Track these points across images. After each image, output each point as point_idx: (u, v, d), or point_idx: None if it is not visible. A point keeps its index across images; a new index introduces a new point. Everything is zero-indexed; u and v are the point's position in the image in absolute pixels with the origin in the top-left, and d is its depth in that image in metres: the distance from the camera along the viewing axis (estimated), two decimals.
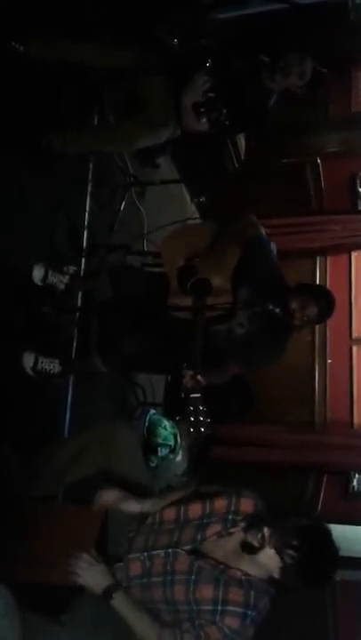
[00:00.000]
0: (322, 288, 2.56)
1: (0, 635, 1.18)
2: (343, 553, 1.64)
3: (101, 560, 1.68)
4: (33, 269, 2.51)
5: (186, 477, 3.94)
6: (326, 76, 2.57)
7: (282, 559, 1.58)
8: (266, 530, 1.61)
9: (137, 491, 1.95)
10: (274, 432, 4.38)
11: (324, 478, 4.04)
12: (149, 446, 3.65)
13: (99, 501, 1.84)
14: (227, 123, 2.60)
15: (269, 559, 1.60)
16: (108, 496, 1.86)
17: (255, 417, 4.00)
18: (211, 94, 2.49)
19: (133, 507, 1.85)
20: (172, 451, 3.75)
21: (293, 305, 2.39)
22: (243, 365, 2.46)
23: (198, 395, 2.01)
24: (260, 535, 1.61)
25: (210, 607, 1.59)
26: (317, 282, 4.89)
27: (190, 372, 2.15)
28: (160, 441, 3.65)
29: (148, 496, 1.92)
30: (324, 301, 2.47)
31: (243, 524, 1.66)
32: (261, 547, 1.60)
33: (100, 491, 1.86)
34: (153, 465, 3.69)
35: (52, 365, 2.52)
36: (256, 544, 1.61)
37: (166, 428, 3.70)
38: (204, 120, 2.54)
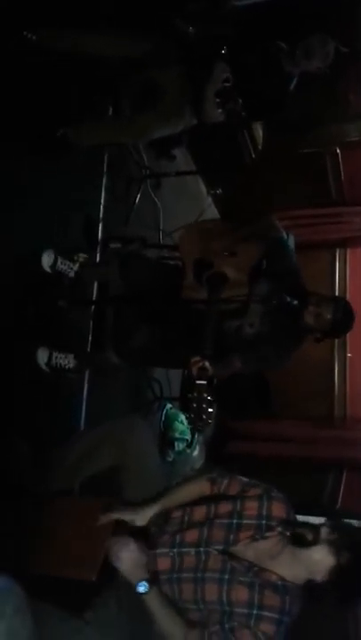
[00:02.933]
0: (344, 299, 2.53)
1: (12, 632, 1.17)
2: None
3: (144, 550, 1.64)
4: (42, 255, 2.46)
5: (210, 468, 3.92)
6: (347, 55, 2.52)
7: (337, 559, 1.52)
8: (324, 527, 1.57)
9: (150, 485, 1.92)
10: (292, 427, 4.34)
11: (344, 474, 3.99)
12: (166, 440, 3.64)
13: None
14: (243, 113, 2.56)
15: (321, 557, 1.54)
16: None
17: (275, 412, 3.96)
18: (227, 84, 2.45)
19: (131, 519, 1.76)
20: (189, 445, 3.73)
21: (311, 301, 2.34)
22: (244, 363, 2.42)
23: (204, 382, 1.98)
24: (315, 531, 1.56)
25: (245, 610, 1.54)
26: (337, 273, 4.83)
27: (197, 359, 2.13)
28: (177, 435, 3.64)
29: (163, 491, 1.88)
30: (341, 308, 2.40)
31: (280, 528, 1.61)
32: (315, 542, 1.55)
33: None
34: (170, 459, 3.67)
35: (66, 360, 2.51)
36: (310, 538, 1.56)
37: (183, 423, 3.68)
38: (220, 110, 2.50)
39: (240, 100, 2.45)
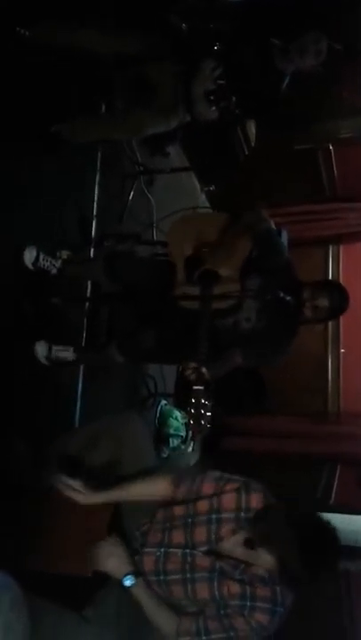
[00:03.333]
0: (335, 282, 2.51)
1: (7, 626, 1.17)
2: (359, 544, 1.62)
3: (121, 544, 1.66)
4: (24, 252, 2.43)
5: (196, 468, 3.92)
6: (341, 53, 2.51)
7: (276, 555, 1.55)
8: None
9: None
10: (287, 423, 4.35)
11: (338, 469, 4.01)
12: (161, 437, 3.65)
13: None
14: (237, 111, 2.56)
15: (265, 557, 1.57)
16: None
17: (268, 408, 3.97)
18: (220, 81, 2.45)
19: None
20: (184, 441, 3.74)
21: (305, 294, 2.34)
22: (245, 358, 2.42)
23: (201, 387, 1.97)
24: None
25: (238, 602, 1.58)
26: (330, 270, 4.86)
27: (193, 364, 2.12)
28: (171, 432, 3.65)
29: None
30: (336, 293, 2.42)
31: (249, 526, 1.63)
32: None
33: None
34: (164, 456, 3.68)
35: (66, 353, 2.51)
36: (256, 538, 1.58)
37: (177, 419, 3.69)
38: (213, 108, 2.50)
39: (233, 98, 2.44)
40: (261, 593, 1.58)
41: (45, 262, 2.48)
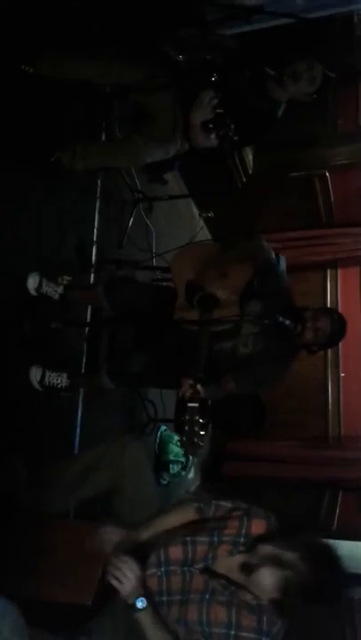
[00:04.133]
0: (333, 309, 2.54)
1: None
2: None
3: (140, 569, 1.62)
4: (27, 279, 2.45)
5: (197, 494, 3.88)
6: (334, 81, 2.57)
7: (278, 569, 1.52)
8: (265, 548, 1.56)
9: (145, 507, 1.92)
10: (287, 447, 4.33)
11: (340, 494, 3.97)
12: (161, 463, 3.61)
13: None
14: (235, 138, 2.61)
15: (266, 578, 1.54)
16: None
17: (268, 432, 3.96)
18: (219, 110, 2.50)
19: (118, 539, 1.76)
20: (184, 467, 3.71)
21: (307, 315, 2.36)
22: (239, 385, 2.43)
23: (196, 404, 1.97)
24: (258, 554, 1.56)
25: (223, 630, 1.55)
26: (328, 294, 4.89)
27: (190, 381, 2.13)
28: (171, 458, 3.62)
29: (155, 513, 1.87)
30: (337, 317, 2.45)
31: (244, 547, 1.62)
32: (259, 566, 1.55)
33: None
34: (165, 482, 3.64)
35: (59, 379, 2.50)
36: (254, 562, 1.56)
37: (178, 445, 3.66)
38: (212, 136, 2.55)
39: (232, 126, 2.49)
40: (246, 622, 1.54)
41: (48, 288, 2.50)
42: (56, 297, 2.52)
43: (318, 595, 1.54)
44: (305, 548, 1.56)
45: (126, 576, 1.57)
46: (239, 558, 1.61)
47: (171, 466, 3.63)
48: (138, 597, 1.57)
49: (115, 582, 1.58)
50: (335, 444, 4.41)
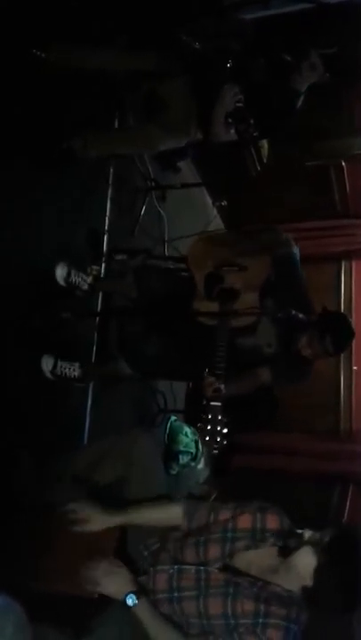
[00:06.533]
0: (343, 322, 2.39)
1: None
2: None
3: (122, 565, 1.64)
4: (56, 268, 2.47)
5: (207, 485, 3.87)
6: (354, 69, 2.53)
7: (318, 558, 1.53)
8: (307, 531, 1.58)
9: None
10: (298, 440, 4.30)
11: (350, 488, 3.94)
12: (170, 453, 3.60)
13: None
14: (255, 134, 2.58)
15: (302, 559, 1.54)
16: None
17: (279, 424, 3.93)
18: (239, 104, 2.46)
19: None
20: (194, 458, 3.69)
21: (302, 337, 2.33)
22: (275, 378, 2.40)
23: (219, 404, 1.95)
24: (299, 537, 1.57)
25: (250, 620, 1.54)
26: (343, 286, 4.82)
27: (212, 379, 2.11)
28: (181, 448, 3.60)
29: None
30: (332, 340, 2.33)
31: (272, 539, 1.61)
32: (297, 547, 1.56)
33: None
34: (174, 472, 3.63)
35: (71, 369, 2.50)
36: (292, 545, 1.57)
37: (188, 435, 3.65)
38: (232, 131, 2.51)
39: (252, 121, 2.46)
40: (276, 611, 1.54)
41: (77, 278, 2.50)
42: (85, 287, 2.52)
43: (350, 585, 1.53)
44: (337, 537, 1.56)
45: (102, 575, 1.59)
46: (266, 557, 1.61)
47: (180, 456, 3.62)
48: (127, 595, 1.58)
49: (96, 587, 1.59)
50: (346, 437, 4.37)
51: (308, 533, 1.58)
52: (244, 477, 3.96)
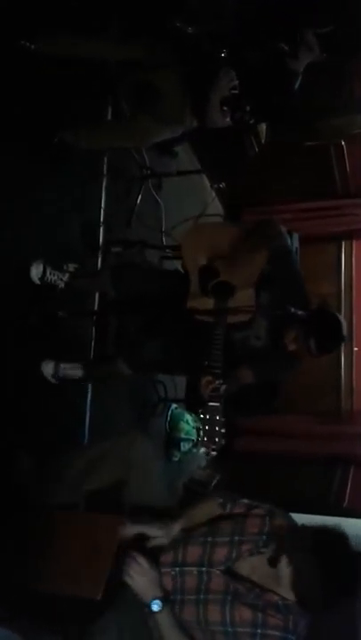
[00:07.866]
0: (332, 325, 2.33)
1: None
2: None
3: (156, 568, 1.64)
4: (31, 267, 2.39)
5: (208, 469, 3.91)
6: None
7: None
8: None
9: (155, 501, 1.92)
10: (299, 422, 4.32)
11: (351, 470, 3.97)
12: (172, 441, 3.63)
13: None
14: (251, 121, 2.51)
15: (285, 568, 1.55)
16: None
17: (280, 406, 3.94)
18: (234, 91, 2.40)
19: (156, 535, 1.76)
20: (195, 445, 3.72)
21: (288, 335, 2.28)
22: (256, 376, 2.37)
23: (217, 404, 1.94)
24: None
25: (248, 630, 1.56)
26: (343, 266, 4.78)
27: (208, 378, 2.09)
28: (183, 435, 3.64)
29: (164, 510, 1.88)
30: (323, 340, 2.26)
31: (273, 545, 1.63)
32: (281, 556, 1.56)
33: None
34: (176, 459, 3.67)
35: (73, 370, 2.49)
36: (279, 554, 1.57)
37: (188, 422, 3.68)
38: (227, 119, 2.45)
39: (248, 108, 2.39)
40: (273, 621, 1.56)
41: (52, 276, 2.45)
42: (61, 285, 2.47)
43: (335, 586, 1.54)
44: (317, 540, 1.57)
45: (138, 572, 1.59)
46: (261, 558, 1.63)
47: (182, 444, 3.65)
48: (154, 599, 1.59)
49: (127, 578, 1.60)
50: (347, 418, 4.39)
51: (286, 540, 1.59)
52: (243, 461, 3.99)
